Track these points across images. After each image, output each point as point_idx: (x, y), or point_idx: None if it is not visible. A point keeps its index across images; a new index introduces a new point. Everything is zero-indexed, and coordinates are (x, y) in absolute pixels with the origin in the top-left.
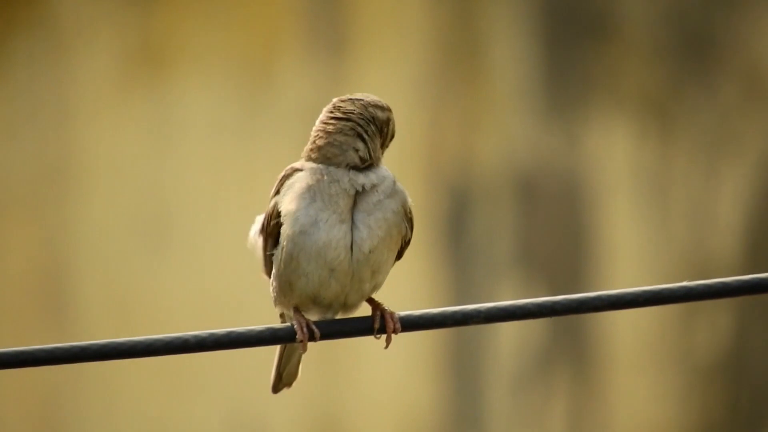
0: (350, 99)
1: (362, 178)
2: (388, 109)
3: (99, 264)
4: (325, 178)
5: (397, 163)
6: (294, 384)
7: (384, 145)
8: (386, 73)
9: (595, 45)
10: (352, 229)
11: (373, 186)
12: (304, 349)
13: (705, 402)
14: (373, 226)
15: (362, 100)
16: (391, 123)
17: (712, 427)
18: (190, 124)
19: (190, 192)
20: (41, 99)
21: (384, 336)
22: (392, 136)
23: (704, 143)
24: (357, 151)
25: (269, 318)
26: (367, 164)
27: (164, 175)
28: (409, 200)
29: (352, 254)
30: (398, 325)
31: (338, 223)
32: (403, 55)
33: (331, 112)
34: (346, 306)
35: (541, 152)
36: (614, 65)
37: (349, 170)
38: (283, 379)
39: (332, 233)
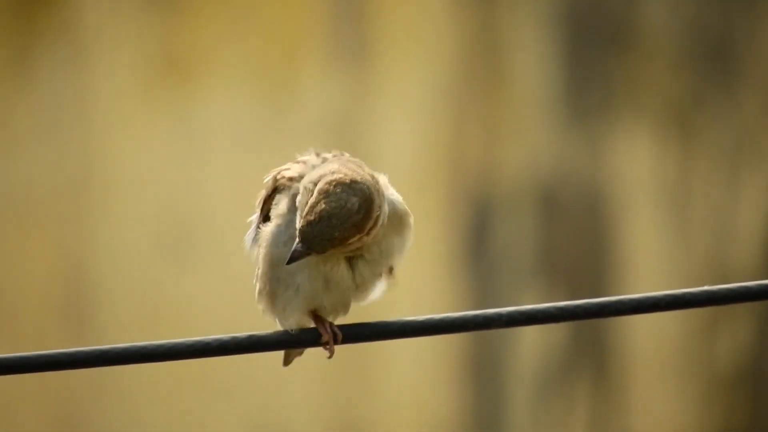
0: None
1: None
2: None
3: (121, 273)
4: None
5: (419, 172)
6: (308, 354)
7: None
8: (408, 82)
9: (618, 54)
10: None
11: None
12: (332, 352)
13: (726, 411)
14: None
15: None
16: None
17: None
18: (212, 134)
19: (212, 201)
20: (63, 109)
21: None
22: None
23: (726, 153)
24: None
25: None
26: None
27: (186, 183)
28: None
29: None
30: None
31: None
32: (425, 64)
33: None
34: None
35: (563, 162)
36: (636, 74)
37: None
38: (294, 351)
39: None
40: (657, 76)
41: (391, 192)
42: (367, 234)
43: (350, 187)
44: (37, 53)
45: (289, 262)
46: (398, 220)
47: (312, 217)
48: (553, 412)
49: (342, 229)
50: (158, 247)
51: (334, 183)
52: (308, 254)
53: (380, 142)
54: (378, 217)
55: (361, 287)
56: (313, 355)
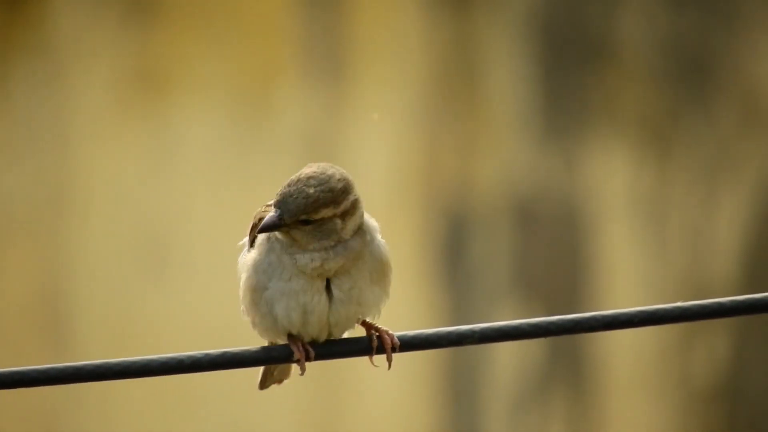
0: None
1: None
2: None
3: (97, 287)
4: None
5: (394, 187)
6: (285, 383)
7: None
8: (384, 99)
9: (593, 69)
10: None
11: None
12: (303, 369)
13: (703, 425)
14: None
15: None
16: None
17: None
18: (188, 149)
19: (188, 216)
20: (40, 123)
21: (376, 358)
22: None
23: (702, 168)
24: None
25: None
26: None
27: (162, 199)
28: (385, 256)
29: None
30: (396, 341)
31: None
32: (400, 81)
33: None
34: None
35: (539, 176)
36: (612, 90)
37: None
38: (274, 376)
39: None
40: (633, 91)
41: (380, 238)
42: (342, 217)
43: (332, 166)
44: (13, 67)
45: (260, 231)
46: (381, 266)
47: (291, 178)
48: (530, 427)
49: (318, 190)
50: (134, 262)
51: (317, 164)
52: (280, 222)
53: (356, 158)
54: (356, 202)
55: (336, 327)
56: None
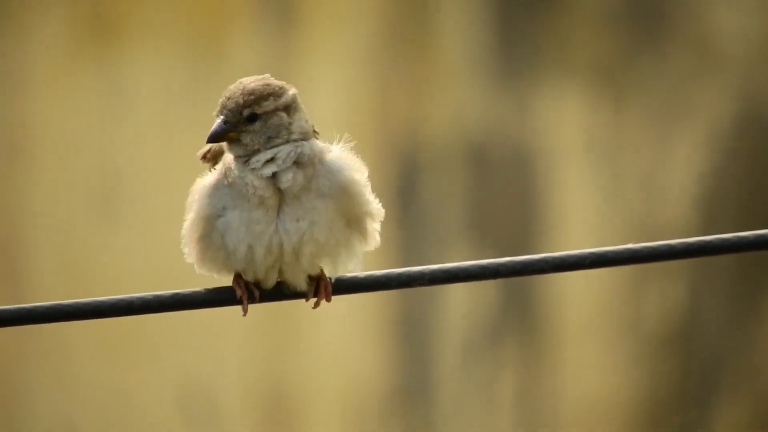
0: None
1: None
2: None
3: (50, 231)
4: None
5: (346, 130)
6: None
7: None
8: (335, 42)
9: (547, 13)
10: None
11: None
12: (245, 310)
13: (655, 371)
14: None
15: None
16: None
17: (662, 396)
18: (140, 93)
19: (140, 159)
20: None
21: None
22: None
23: (656, 111)
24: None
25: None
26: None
27: (114, 143)
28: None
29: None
30: (330, 297)
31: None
32: (352, 24)
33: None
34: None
35: (492, 120)
36: (566, 33)
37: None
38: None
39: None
40: (587, 35)
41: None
42: (286, 111)
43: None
44: None
45: (208, 140)
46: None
47: (228, 88)
48: (481, 374)
49: (255, 83)
50: (87, 206)
51: None
52: (225, 125)
53: (308, 101)
54: (296, 97)
55: (289, 267)
56: (238, 317)
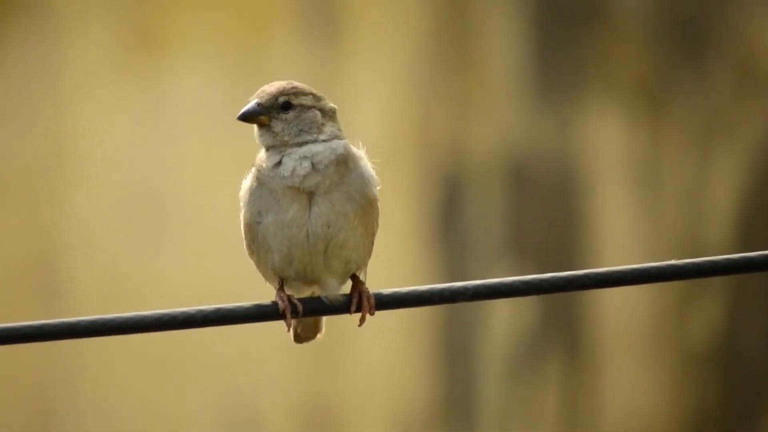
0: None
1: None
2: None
3: (91, 247)
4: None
5: (388, 147)
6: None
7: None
8: (378, 58)
9: (588, 31)
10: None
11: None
12: (288, 324)
13: (698, 389)
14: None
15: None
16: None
17: (705, 414)
18: (182, 109)
19: (182, 176)
20: (35, 85)
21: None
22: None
23: (696, 130)
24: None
25: (263, 299)
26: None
27: (156, 158)
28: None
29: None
30: (373, 310)
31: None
32: (395, 40)
33: None
34: (322, 282)
35: (533, 138)
36: (607, 51)
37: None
38: (300, 335)
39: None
40: (627, 54)
41: (368, 167)
42: (323, 113)
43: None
44: (8, 27)
45: (240, 118)
46: (364, 197)
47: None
48: (524, 392)
49: (302, 84)
50: (129, 222)
51: None
52: (258, 107)
53: (350, 117)
54: (334, 111)
55: (325, 256)
56: (282, 333)
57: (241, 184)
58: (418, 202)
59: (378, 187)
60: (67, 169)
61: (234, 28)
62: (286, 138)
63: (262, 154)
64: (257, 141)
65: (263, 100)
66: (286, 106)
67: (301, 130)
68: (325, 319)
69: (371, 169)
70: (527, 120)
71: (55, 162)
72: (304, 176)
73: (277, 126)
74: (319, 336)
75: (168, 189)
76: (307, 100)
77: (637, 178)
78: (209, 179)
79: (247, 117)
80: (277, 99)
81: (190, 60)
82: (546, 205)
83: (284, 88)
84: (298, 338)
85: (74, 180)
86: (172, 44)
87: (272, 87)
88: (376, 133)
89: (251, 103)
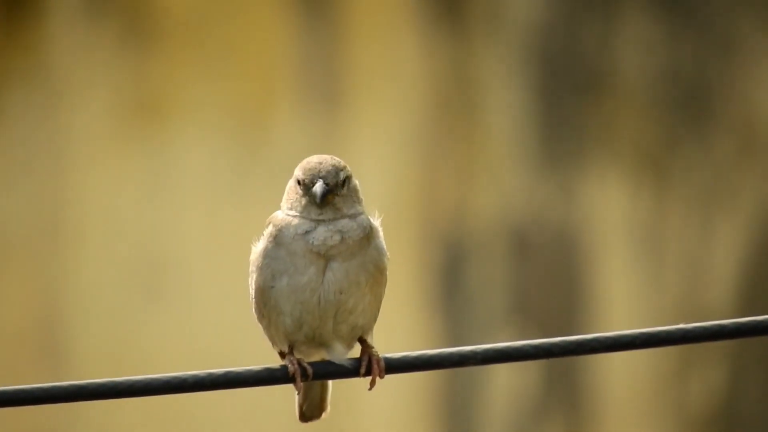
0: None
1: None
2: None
3: (94, 310)
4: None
5: (391, 213)
6: (318, 419)
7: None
8: (381, 126)
9: (590, 98)
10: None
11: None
12: (298, 388)
13: None
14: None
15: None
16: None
17: None
18: (184, 175)
19: (185, 240)
20: (36, 150)
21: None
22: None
23: (699, 196)
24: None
25: (267, 363)
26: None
27: (159, 223)
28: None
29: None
30: (383, 373)
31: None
32: (397, 108)
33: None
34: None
35: (536, 204)
36: (609, 118)
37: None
38: (305, 413)
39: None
40: (630, 120)
41: (381, 235)
42: (343, 187)
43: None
44: (9, 91)
45: (320, 201)
46: (377, 267)
47: (307, 163)
48: None
49: (336, 157)
50: (132, 286)
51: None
52: (329, 187)
53: None
54: (351, 178)
55: (335, 320)
56: (286, 394)
57: (242, 248)
58: (421, 268)
59: (387, 257)
60: (69, 233)
61: (236, 92)
62: (345, 211)
63: (281, 216)
64: (314, 216)
65: (329, 180)
66: (344, 182)
67: (353, 203)
68: (330, 396)
69: (383, 241)
70: (530, 186)
71: (57, 226)
72: (331, 246)
73: (339, 201)
74: (324, 415)
75: (169, 254)
76: (348, 170)
77: (639, 243)
78: (210, 244)
79: (326, 198)
80: (338, 175)
81: (192, 124)
82: (549, 271)
83: (339, 163)
84: (304, 417)
85: (76, 243)
86: (174, 111)
87: (327, 164)
88: (380, 198)
89: (320, 185)
